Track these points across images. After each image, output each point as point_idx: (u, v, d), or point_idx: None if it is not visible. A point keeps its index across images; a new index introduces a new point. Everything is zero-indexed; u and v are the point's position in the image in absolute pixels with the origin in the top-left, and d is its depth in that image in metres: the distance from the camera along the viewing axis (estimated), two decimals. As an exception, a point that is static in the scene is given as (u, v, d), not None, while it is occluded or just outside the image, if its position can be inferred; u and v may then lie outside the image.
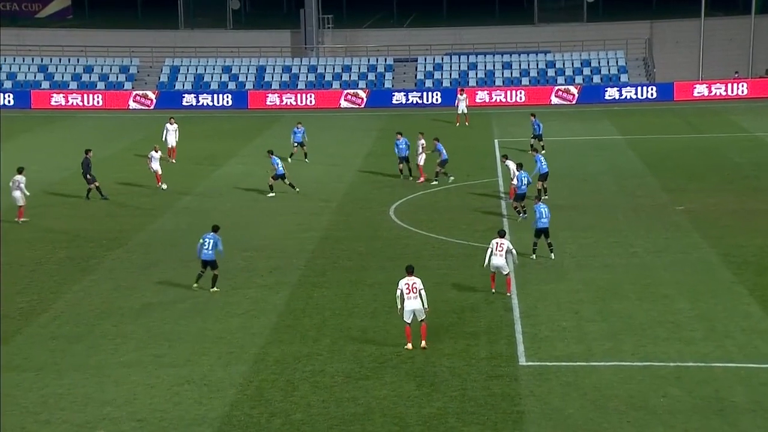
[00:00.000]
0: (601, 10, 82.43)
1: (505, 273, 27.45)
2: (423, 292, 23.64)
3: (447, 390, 21.33)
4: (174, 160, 48.02)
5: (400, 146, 43.38)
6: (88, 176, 40.39)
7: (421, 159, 42.97)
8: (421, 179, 42.85)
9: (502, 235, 27.79)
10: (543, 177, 38.75)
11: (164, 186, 41.97)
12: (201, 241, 27.93)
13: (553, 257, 30.91)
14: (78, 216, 38.14)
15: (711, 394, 21.10)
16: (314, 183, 43.52)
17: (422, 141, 43.30)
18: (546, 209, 31.15)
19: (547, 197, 37.61)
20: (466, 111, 59.51)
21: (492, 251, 27.12)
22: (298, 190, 40.57)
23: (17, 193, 36.38)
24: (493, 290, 27.49)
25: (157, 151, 42.43)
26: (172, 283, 29.25)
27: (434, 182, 42.42)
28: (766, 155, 48.93)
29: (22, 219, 36.30)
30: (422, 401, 20.79)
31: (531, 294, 27.75)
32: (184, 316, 26.43)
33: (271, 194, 40.51)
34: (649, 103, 68.23)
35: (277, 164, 40.63)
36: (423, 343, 23.66)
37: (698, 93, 68.81)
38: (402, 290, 23.59)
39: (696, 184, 42.27)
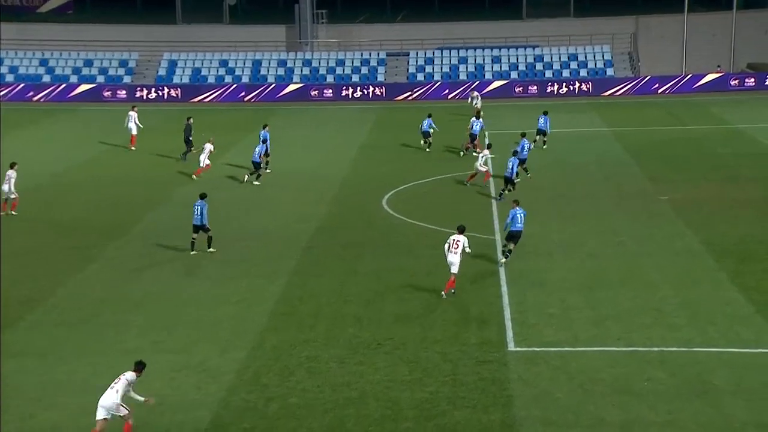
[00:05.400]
0: (588, 5, 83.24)
1: (453, 271, 26.70)
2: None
3: (438, 375, 21.82)
4: (133, 147, 49.36)
5: (424, 125, 48.89)
6: (188, 139, 45.33)
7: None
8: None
9: (461, 231, 27.30)
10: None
11: (194, 178, 42.41)
12: (193, 208, 31.18)
13: (505, 261, 29.61)
14: (80, 206, 38.62)
15: (694, 378, 21.66)
16: (311, 175, 44.14)
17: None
18: (522, 214, 29.86)
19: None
20: (479, 106, 60.36)
21: (448, 247, 26.91)
22: (257, 183, 41.91)
23: (6, 187, 36.42)
24: (453, 291, 26.89)
25: (207, 143, 43.45)
26: (171, 272, 29.78)
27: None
28: (746, 146, 49.76)
29: (13, 211, 36.40)
30: (414, 386, 21.26)
31: (519, 282, 28.30)
32: (182, 304, 26.96)
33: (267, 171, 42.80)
34: (635, 95, 69.07)
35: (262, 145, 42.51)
36: None
37: (682, 86, 69.69)
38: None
39: (680, 174, 42.99)
